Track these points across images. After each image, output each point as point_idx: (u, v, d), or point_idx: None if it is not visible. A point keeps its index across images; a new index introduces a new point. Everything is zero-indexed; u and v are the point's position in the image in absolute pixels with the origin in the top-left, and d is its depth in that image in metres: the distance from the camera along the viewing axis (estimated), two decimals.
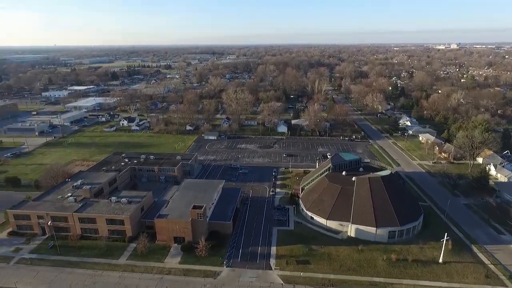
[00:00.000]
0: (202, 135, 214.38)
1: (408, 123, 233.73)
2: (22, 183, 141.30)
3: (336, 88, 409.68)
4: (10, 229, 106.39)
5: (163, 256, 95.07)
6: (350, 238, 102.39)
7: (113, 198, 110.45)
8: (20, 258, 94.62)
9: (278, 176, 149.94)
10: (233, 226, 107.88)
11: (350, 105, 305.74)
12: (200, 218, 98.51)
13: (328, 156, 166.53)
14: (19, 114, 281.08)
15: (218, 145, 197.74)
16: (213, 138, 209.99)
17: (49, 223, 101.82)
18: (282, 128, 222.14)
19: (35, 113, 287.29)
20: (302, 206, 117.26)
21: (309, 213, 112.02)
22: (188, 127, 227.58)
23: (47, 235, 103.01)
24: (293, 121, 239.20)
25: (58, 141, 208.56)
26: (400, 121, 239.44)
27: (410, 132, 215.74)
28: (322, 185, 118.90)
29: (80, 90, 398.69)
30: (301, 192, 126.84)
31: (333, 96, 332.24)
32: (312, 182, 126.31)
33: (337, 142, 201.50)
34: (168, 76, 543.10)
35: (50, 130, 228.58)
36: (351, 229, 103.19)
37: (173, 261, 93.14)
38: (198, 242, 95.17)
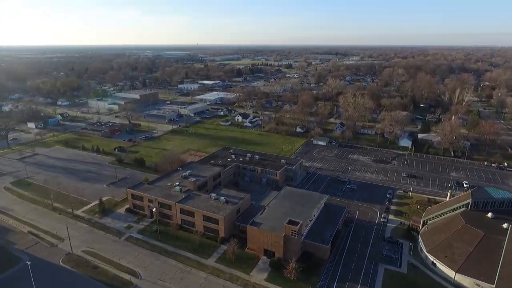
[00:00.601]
0: (312, 139, 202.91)
1: None
2: (146, 164, 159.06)
3: (483, 99, 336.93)
4: (127, 206, 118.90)
5: (250, 267, 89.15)
6: None
7: (213, 195, 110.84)
8: (129, 235, 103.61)
9: (393, 200, 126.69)
10: (331, 251, 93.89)
11: (502, 122, 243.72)
12: (294, 235, 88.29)
13: (465, 186, 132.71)
14: (158, 103, 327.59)
15: (327, 152, 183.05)
16: (322, 144, 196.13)
17: (155, 208, 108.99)
18: (405, 142, 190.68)
19: (169, 102, 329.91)
20: (421, 245, 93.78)
21: (431, 257, 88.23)
22: (298, 129, 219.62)
23: (153, 219, 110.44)
24: (420, 135, 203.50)
25: (181, 129, 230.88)
26: None
27: None
28: (454, 225, 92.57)
29: (208, 84, 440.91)
30: (422, 226, 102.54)
31: (479, 110, 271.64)
32: (440, 218, 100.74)
33: (479, 169, 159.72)
34: (287, 75, 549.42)
35: (177, 119, 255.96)
36: None
37: (259, 276, 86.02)
38: (288, 261, 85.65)
